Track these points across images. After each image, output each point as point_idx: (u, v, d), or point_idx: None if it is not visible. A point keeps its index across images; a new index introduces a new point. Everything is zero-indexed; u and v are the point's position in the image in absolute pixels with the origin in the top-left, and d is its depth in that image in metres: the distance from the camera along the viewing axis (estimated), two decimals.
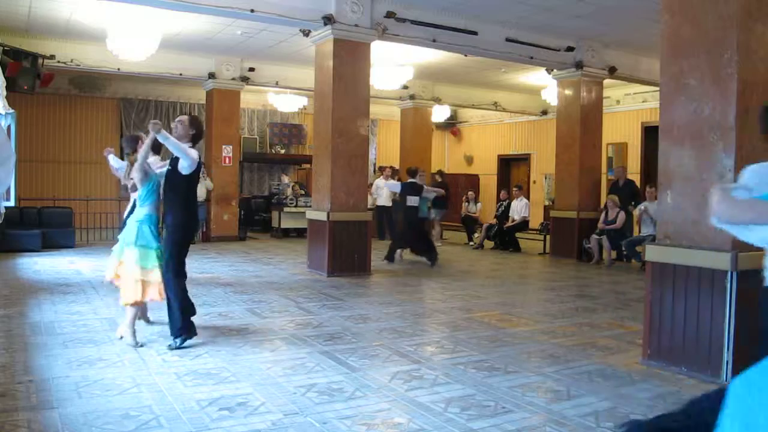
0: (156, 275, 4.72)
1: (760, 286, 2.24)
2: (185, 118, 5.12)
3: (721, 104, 4.10)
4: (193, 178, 4.93)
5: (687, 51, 4.32)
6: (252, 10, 7.96)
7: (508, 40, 9.91)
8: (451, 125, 19.64)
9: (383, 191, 13.51)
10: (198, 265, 9.34)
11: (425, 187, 10.57)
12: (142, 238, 4.67)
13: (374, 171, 15.89)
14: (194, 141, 4.99)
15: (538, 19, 9.49)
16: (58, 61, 10.81)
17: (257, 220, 14.97)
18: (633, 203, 10.44)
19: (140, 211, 4.79)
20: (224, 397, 3.58)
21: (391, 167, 14.03)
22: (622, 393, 3.85)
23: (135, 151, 5.36)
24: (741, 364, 3.99)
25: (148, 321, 5.40)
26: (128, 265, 4.67)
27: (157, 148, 5.16)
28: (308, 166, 14.83)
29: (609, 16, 9.20)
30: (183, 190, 4.87)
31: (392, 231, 13.74)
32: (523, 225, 12.46)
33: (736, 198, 2.13)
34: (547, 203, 16.37)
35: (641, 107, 14.63)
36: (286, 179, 15.12)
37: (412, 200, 10.03)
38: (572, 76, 11.01)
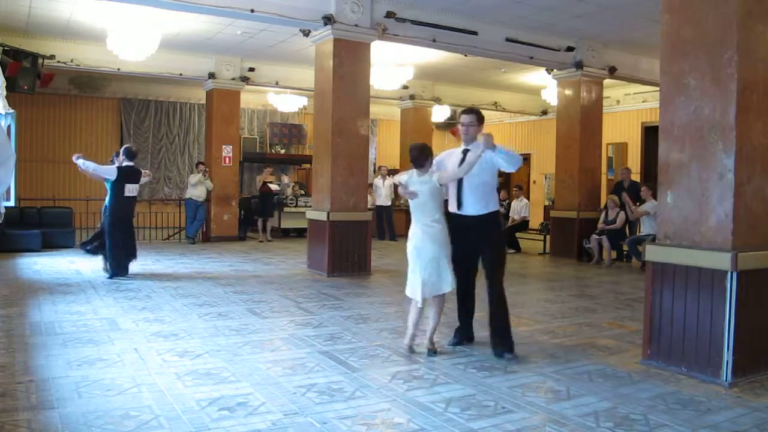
0: None
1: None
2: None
3: (721, 104, 4.09)
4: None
5: (687, 51, 4.32)
6: (252, 10, 7.97)
7: (508, 40, 9.91)
8: (451, 125, 19.61)
9: (382, 191, 13.51)
10: (198, 265, 9.35)
11: None
12: None
13: (374, 171, 15.89)
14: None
15: (538, 19, 9.49)
16: (58, 61, 10.82)
17: (257, 219, 14.94)
18: (637, 203, 10.44)
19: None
20: (224, 397, 3.58)
21: (385, 167, 14.15)
22: (622, 393, 3.84)
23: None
24: (741, 364, 4.01)
25: None
26: None
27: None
28: (308, 166, 14.83)
29: (609, 16, 9.20)
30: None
31: (391, 232, 13.76)
32: (523, 225, 12.46)
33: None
34: (547, 203, 16.38)
35: (641, 107, 14.63)
36: (286, 179, 15.12)
37: None
38: (572, 76, 11.01)
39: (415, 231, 4.60)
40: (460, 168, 4.49)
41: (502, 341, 4.61)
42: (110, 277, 7.74)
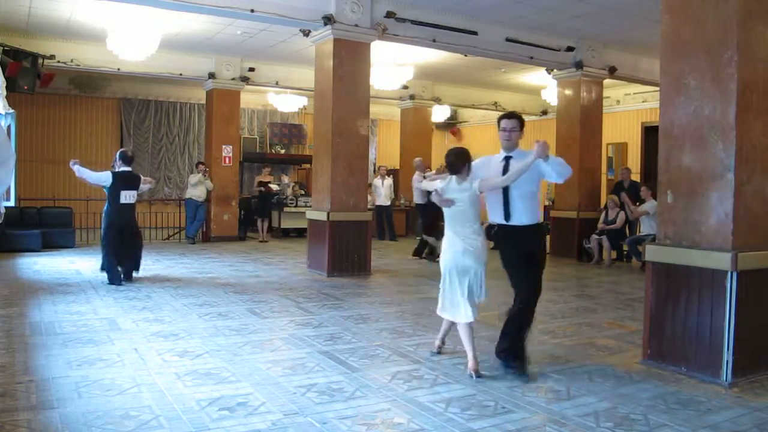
0: None
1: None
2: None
3: (721, 104, 4.10)
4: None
5: (687, 51, 4.32)
6: (252, 10, 7.97)
7: (508, 40, 9.91)
8: (451, 125, 19.64)
9: (382, 191, 13.52)
10: (198, 265, 9.35)
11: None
12: None
13: (374, 171, 15.89)
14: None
15: (538, 19, 9.49)
16: (58, 61, 10.82)
17: (257, 219, 14.96)
18: (637, 203, 10.44)
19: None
20: (224, 397, 3.58)
21: (385, 167, 14.25)
22: (622, 393, 3.84)
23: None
24: (741, 364, 4.01)
25: None
26: None
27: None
28: (308, 166, 14.83)
29: (609, 16, 9.20)
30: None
31: (391, 232, 13.76)
32: None
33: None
34: (547, 203, 16.36)
35: (641, 107, 14.63)
36: (286, 179, 15.12)
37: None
38: (572, 76, 11.01)
39: (453, 243, 4.28)
40: (507, 176, 4.12)
41: (511, 351, 4.23)
42: (109, 283, 7.43)
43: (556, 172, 4.12)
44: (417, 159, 11.36)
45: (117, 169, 7.55)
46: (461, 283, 4.24)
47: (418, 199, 10.55)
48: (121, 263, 7.56)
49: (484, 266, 4.29)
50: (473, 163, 4.35)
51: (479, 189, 4.19)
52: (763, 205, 4.19)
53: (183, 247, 11.69)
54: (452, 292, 4.30)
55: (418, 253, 10.51)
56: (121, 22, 9.11)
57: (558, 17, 9.36)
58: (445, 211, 4.34)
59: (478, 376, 4.09)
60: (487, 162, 4.46)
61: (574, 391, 3.87)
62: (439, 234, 10.55)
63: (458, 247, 4.24)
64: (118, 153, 7.77)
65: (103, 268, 7.57)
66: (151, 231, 12.76)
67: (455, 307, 4.29)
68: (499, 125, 4.41)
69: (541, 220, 4.45)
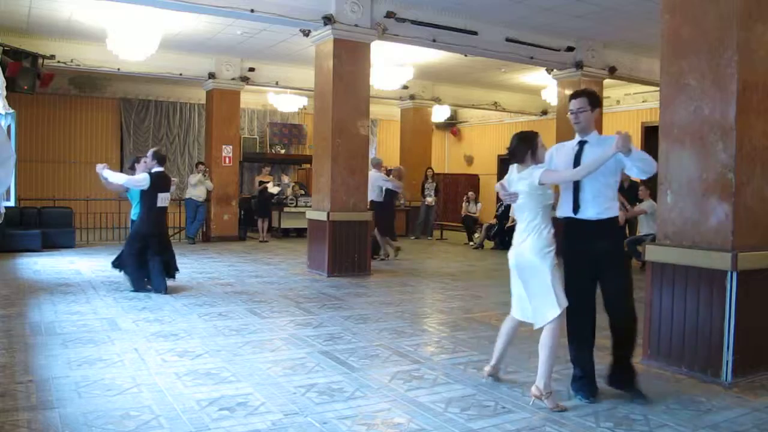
0: None
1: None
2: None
3: (721, 104, 4.10)
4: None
5: (687, 51, 4.32)
6: (252, 10, 7.96)
7: (508, 40, 9.91)
8: (451, 125, 19.64)
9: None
10: (198, 265, 9.35)
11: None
12: None
13: None
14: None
15: (538, 19, 9.49)
16: (58, 61, 10.81)
17: (257, 219, 14.97)
18: (636, 204, 10.42)
19: None
20: (224, 397, 3.58)
21: (385, 167, 14.21)
22: (621, 393, 3.84)
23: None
24: (741, 364, 4.01)
25: None
26: None
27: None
28: (308, 166, 14.83)
29: (609, 16, 9.19)
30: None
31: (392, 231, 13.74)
32: None
33: None
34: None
35: (641, 107, 14.63)
36: (286, 179, 15.12)
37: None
38: (572, 76, 11.01)
39: (514, 239, 3.86)
40: (577, 170, 3.66)
41: (631, 381, 3.76)
42: (134, 290, 6.91)
43: (637, 168, 3.62)
44: (375, 158, 11.43)
45: (152, 170, 6.90)
46: (524, 283, 3.76)
47: (376, 197, 10.26)
48: (153, 274, 6.91)
49: (547, 271, 3.65)
50: (547, 152, 3.86)
51: (541, 180, 3.62)
52: (763, 205, 4.19)
53: (183, 247, 11.69)
54: (518, 291, 3.85)
55: (374, 251, 10.09)
56: (121, 22, 9.10)
57: (558, 17, 9.35)
58: (513, 206, 3.90)
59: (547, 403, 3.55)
60: (560, 148, 3.96)
61: (574, 391, 3.86)
62: (393, 233, 10.57)
63: (515, 242, 3.82)
64: (151, 152, 7.02)
65: (118, 268, 7.17)
66: None
67: (522, 305, 3.83)
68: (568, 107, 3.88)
69: (617, 214, 3.77)
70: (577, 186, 3.74)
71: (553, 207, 3.83)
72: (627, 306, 3.74)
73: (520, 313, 3.87)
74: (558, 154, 3.91)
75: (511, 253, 3.83)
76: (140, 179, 6.82)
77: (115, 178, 6.83)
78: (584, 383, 3.76)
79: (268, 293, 7.07)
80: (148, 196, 6.89)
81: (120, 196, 8.45)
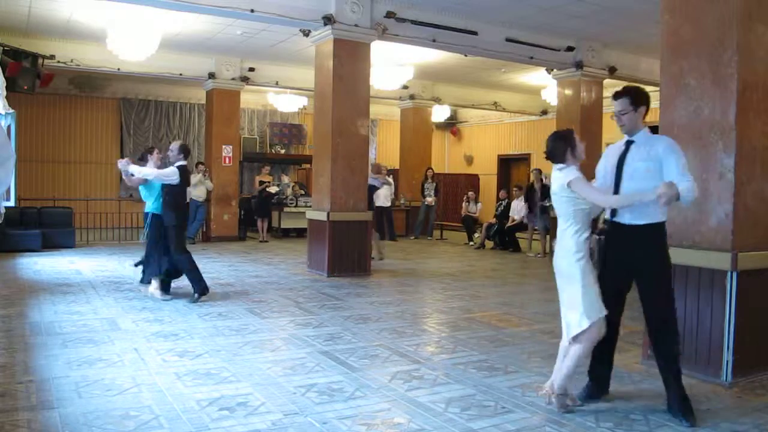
0: None
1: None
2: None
3: (721, 104, 4.10)
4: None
5: (687, 51, 4.32)
6: (252, 10, 7.96)
7: (508, 40, 9.90)
8: (451, 125, 19.64)
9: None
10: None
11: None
12: None
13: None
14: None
15: (538, 19, 9.49)
16: (58, 61, 10.81)
17: (257, 219, 14.98)
18: None
19: None
20: (224, 397, 3.58)
21: (385, 167, 14.26)
22: (622, 393, 3.84)
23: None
24: (741, 364, 4.01)
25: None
26: None
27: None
28: (308, 166, 14.83)
29: (609, 16, 9.19)
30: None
31: (391, 231, 13.77)
32: (523, 225, 12.45)
33: None
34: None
35: None
36: (286, 179, 15.11)
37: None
38: (572, 76, 11.01)
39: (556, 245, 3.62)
40: (610, 199, 3.51)
41: (685, 405, 3.42)
42: (198, 295, 6.51)
43: (685, 201, 3.35)
44: (377, 164, 11.58)
45: (177, 164, 6.60)
46: (560, 292, 3.59)
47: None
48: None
49: (578, 278, 3.48)
50: (605, 152, 3.70)
51: (571, 186, 3.41)
52: (763, 205, 4.19)
53: None
54: (560, 299, 3.61)
55: None
56: (121, 22, 9.10)
57: (558, 17, 9.35)
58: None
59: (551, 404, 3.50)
60: (610, 149, 3.75)
61: (574, 391, 3.86)
62: (382, 233, 10.57)
63: (555, 248, 3.62)
64: (177, 146, 6.70)
65: (148, 269, 6.72)
66: None
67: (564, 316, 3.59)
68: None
69: (663, 220, 3.48)
70: (618, 180, 3.58)
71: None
72: (668, 309, 3.56)
73: (565, 333, 3.57)
74: (606, 156, 3.75)
75: (553, 259, 3.66)
76: (170, 173, 6.50)
77: (143, 172, 6.49)
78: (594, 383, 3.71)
79: (268, 293, 7.07)
80: (178, 191, 6.56)
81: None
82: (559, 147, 3.50)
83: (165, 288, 6.59)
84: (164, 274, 6.61)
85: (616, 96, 3.60)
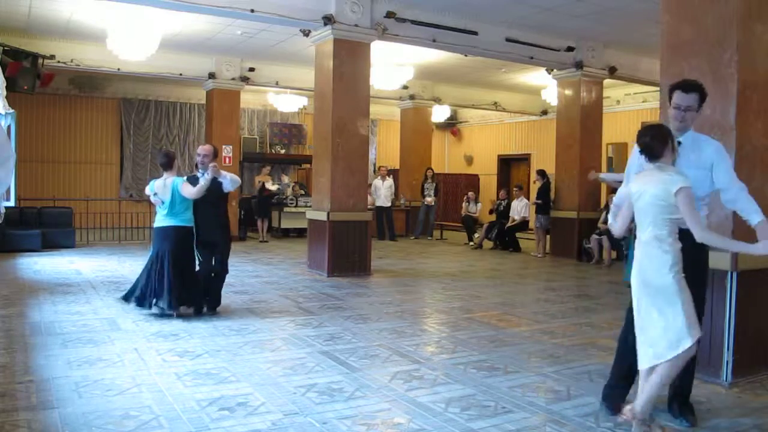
0: None
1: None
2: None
3: (721, 104, 4.10)
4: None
5: (687, 51, 4.32)
6: (252, 10, 7.96)
7: (508, 40, 9.91)
8: (451, 125, 19.64)
9: (381, 191, 13.54)
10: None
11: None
12: None
13: (374, 171, 15.90)
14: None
15: (538, 19, 9.49)
16: (58, 61, 10.81)
17: (257, 219, 14.98)
18: None
19: None
20: (224, 397, 3.58)
21: (385, 167, 14.31)
22: None
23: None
24: (741, 364, 4.01)
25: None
26: None
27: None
28: (308, 166, 14.83)
29: (609, 16, 9.20)
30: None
31: (391, 231, 13.78)
32: (523, 225, 12.46)
33: None
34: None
35: (641, 107, 14.63)
36: (286, 179, 15.10)
37: None
38: (572, 76, 11.01)
39: (635, 255, 3.20)
40: (711, 238, 3.11)
41: (685, 405, 3.40)
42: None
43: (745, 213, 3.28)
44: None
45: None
46: (647, 306, 3.09)
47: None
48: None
49: (677, 294, 3.01)
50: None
51: (677, 194, 2.98)
52: (763, 205, 4.18)
53: None
54: (639, 318, 3.14)
55: None
56: (121, 22, 9.10)
57: (558, 17, 9.36)
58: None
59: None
60: None
61: (574, 391, 3.86)
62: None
63: (636, 256, 3.19)
64: (212, 149, 5.92)
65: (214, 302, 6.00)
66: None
67: (642, 338, 3.11)
68: (670, 98, 3.36)
69: (703, 238, 3.04)
70: None
71: None
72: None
73: (646, 358, 3.08)
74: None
75: (633, 272, 3.18)
76: (237, 178, 6.09)
77: (234, 179, 5.93)
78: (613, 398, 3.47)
79: (268, 293, 7.07)
80: (226, 196, 5.99)
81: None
82: (658, 144, 3.11)
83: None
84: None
85: (687, 88, 3.30)
